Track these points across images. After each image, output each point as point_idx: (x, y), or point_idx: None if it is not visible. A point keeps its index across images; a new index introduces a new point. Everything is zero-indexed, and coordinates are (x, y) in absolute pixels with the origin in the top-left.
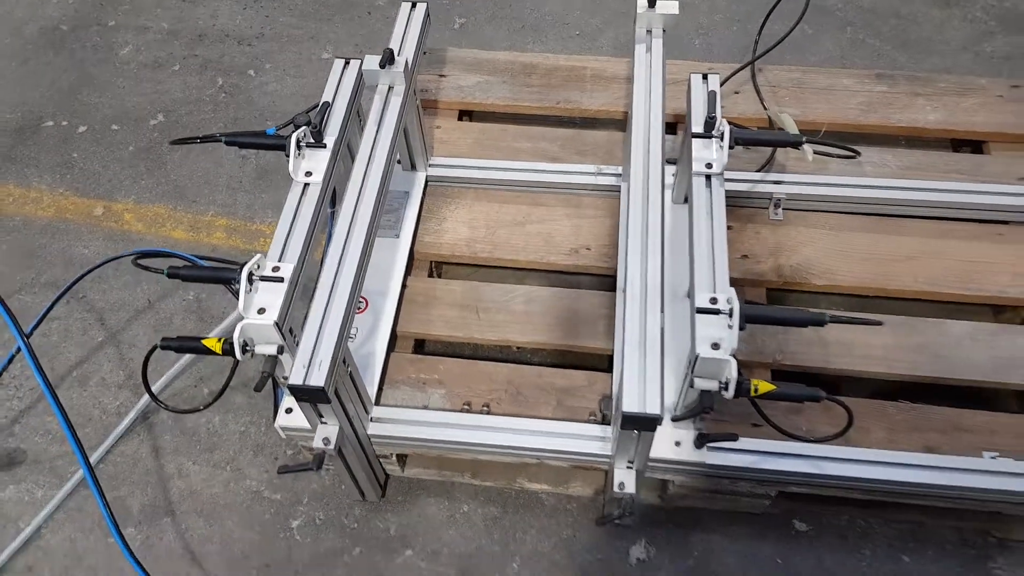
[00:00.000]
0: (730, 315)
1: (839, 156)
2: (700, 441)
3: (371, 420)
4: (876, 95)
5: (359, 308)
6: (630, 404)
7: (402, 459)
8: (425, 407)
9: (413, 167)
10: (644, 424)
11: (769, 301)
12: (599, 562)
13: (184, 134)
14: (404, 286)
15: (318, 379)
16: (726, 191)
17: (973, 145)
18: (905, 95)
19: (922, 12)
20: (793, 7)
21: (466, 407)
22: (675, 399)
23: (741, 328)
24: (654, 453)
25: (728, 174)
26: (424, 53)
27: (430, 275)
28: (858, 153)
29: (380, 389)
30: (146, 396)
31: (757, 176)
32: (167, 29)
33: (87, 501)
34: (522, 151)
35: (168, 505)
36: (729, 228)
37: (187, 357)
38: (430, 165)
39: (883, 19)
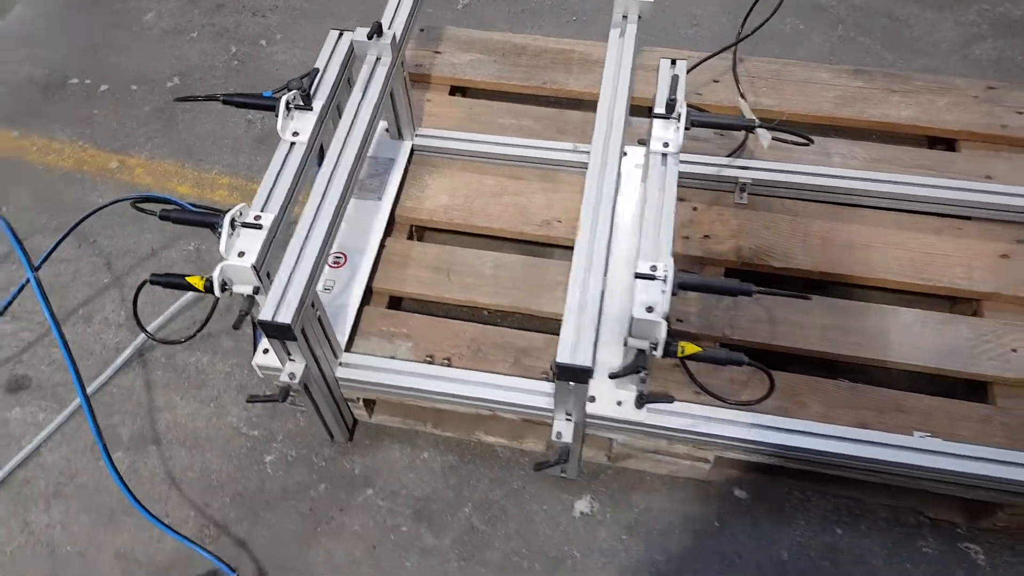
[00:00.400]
0: (665, 281)
1: (793, 143)
2: (640, 401)
3: (340, 364)
4: (852, 90)
5: (338, 263)
6: (563, 356)
7: (369, 406)
8: (392, 357)
9: (400, 136)
10: (577, 375)
11: None
12: (544, 512)
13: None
14: (383, 246)
15: (285, 316)
16: (694, 173)
17: (947, 143)
18: (880, 91)
19: (915, 14)
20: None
21: (429, 359)
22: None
23: (674, 294)
24: (599, 411)
25: (697, 158)
26: (421, 30)
27: (409, 238)
28: (811, 141)
29: (352, 338)
30: (143, 335)
31: (725, 161)
32: None
33: (83, 426)
34: (506, 127)
35: (155, 435)
36: (694, 209)
37: (182, 300)
38: (417, 135)
39: (875, 18)
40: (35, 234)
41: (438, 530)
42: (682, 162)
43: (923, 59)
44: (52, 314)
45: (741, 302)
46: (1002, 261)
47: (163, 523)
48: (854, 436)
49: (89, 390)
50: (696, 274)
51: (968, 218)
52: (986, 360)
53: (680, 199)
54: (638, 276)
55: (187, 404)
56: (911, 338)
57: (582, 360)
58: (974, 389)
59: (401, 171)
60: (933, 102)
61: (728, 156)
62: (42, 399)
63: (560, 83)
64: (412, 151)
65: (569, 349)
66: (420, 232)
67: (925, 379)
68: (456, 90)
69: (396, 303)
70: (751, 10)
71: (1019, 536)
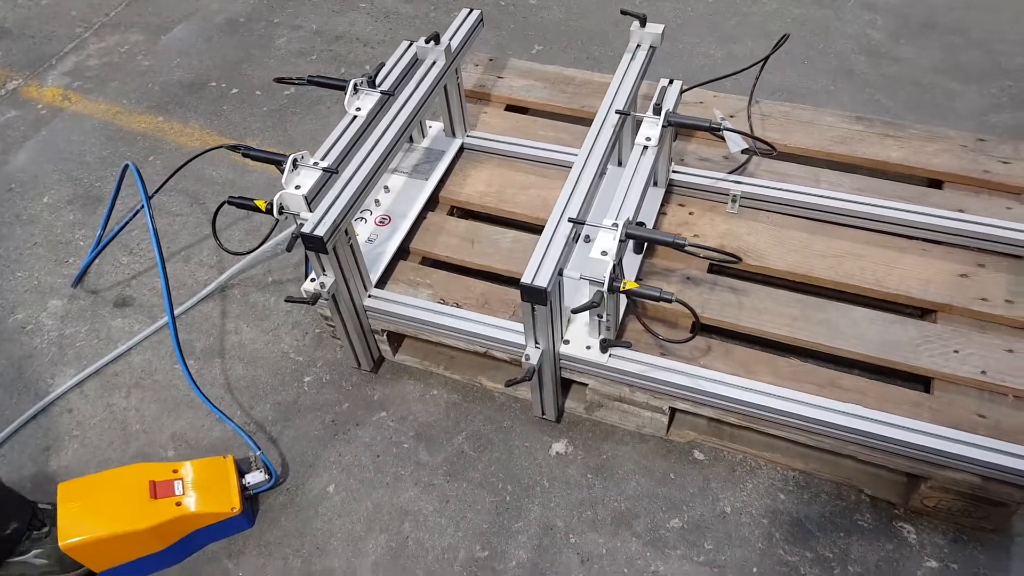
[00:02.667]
0: (617, 231)
1: (759, 151)
2: (604, 346)
3: (369, 296)
4: (852, 132)
5: (383, 223)
6: (527, 277)
7: (394, 344)
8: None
9: (453, 134)
10: (536, 295)
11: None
12: (526, 448)
13: (306, 106)
14: (422, 216)
15: (320, 231)
16: (695, 184)
17: (933, 184)
18: (877, 135)
19: (941, 84)
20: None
21: (442, 301)
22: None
23: (622, 240)
24: (570, 351)
25: (699, 171)
26: (491, 60)
27: (449, 215)
28: (774, 148)
29: (384, 281)
30: (226, 273)
31: (721, 175)
32: (314, 29)
33: (166, 339)
34: (543, 136)
35: (221, 350)
36: (690, 214)
37: (261, 253)
38: (468, 136)
39: (902, 85)
40: (159, 194)
41: (433, 450)
42: (685, 174)
43: (939, 122)
44: (158, 242)
45: (716, 289)
46: (960, 280)
47: (215, 406)
48: (787, 395)
49: (176, 311)
50: (643, 227)
51: (936, 242)
52: (927, 356)
53: (679, 205)
54: (602, 227)
55: (251, 331)
56: (859, 331)
57: (540, 282)
58: (919, 384)
59: (448, 161)
60: (923, 147)
61: (729, 173)
62: (140, 315)
63: (595, 107)
64: (462, 148)
65: (531, 272)
66: (458, 211)
67: (871, 369)
68: (511, 108)
69: (427, 263)
70: (766, 60)
71: (951, 522)
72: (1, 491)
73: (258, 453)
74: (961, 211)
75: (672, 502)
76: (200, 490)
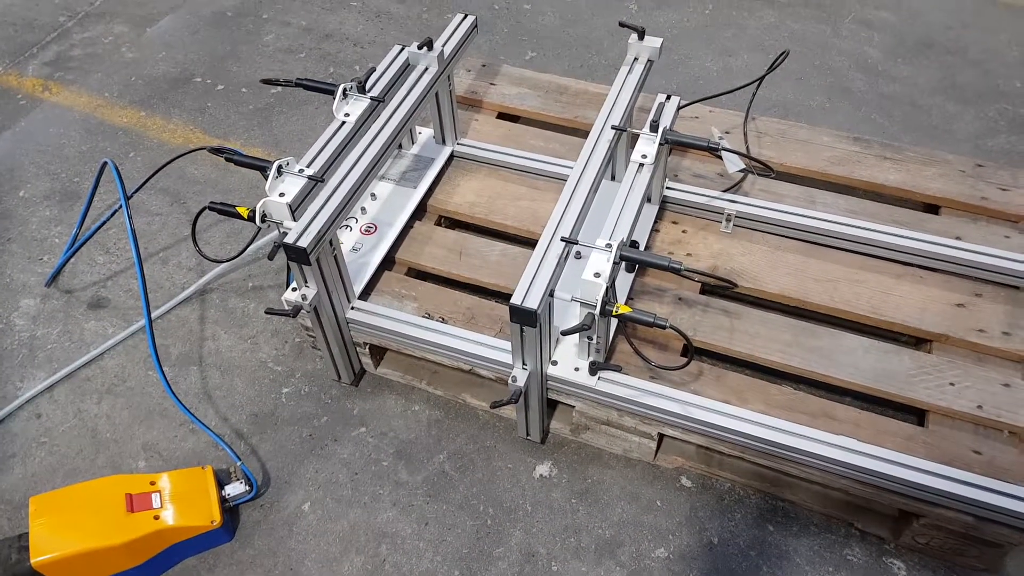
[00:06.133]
0: (611, 253)
1: (757, 172)
2: (593, 368)
3: (351, 308)
4: (848, 153)
5: (369, 231)
6: (516, 298)
7: (376, 357)
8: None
9: (443, 141)
10: (525, 317)
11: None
12: (508, 469)
13: (293, 105)
14: (409, 226)
15: (303, 242)
16: (689, 202)
17: (930, 209)
18: (874, 157)
19: (938, 105)
20: (822, 80)
21: (427, 315)
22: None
23: (616, 262)
24: (558, 373)
25: (694, 190)
26: (483, 66)
27: (436, 225)
28: (772, 170)
29: (368, 292)
30: (205, 277)
31: (716, 194)
32: (304, 26)
33: (141, 344)
34: (535, 147)
35: (198, 357)
36: (684, 232)
37: (243, 259)
38: (458, 143)
39: (899, 105)
40: (139, 192)
41: (414, 469)
42: (679, 191)
43: (936, 143)
44: (136, 245)
45: (708, 311)
46: (957, 309)
47: (193, 414)
48: (778, 425)
49: (153, 315)
50: (636, 249)
51: (934, 270)
52: (922, 388)
53: (672, 223)
54: (595, 248)
55: (229, 337)
56: (854, 359)
57: (530, 303)
58: (913, 415)
59: (438, 170)
60: (921, 171)
61: (723, 191)
62: (114, 317)
63: (590, 118)
64: (452, 156)
65: (521, 294)
66: (446, 221)
67: (864, 397)
68: (503, 116)
69: (412, 274)
70: (762, 79)
71: (943, 560)
72: None
73: (239, 463)
74: (959, 238)
75: (658, 531)
76: (179, 503)
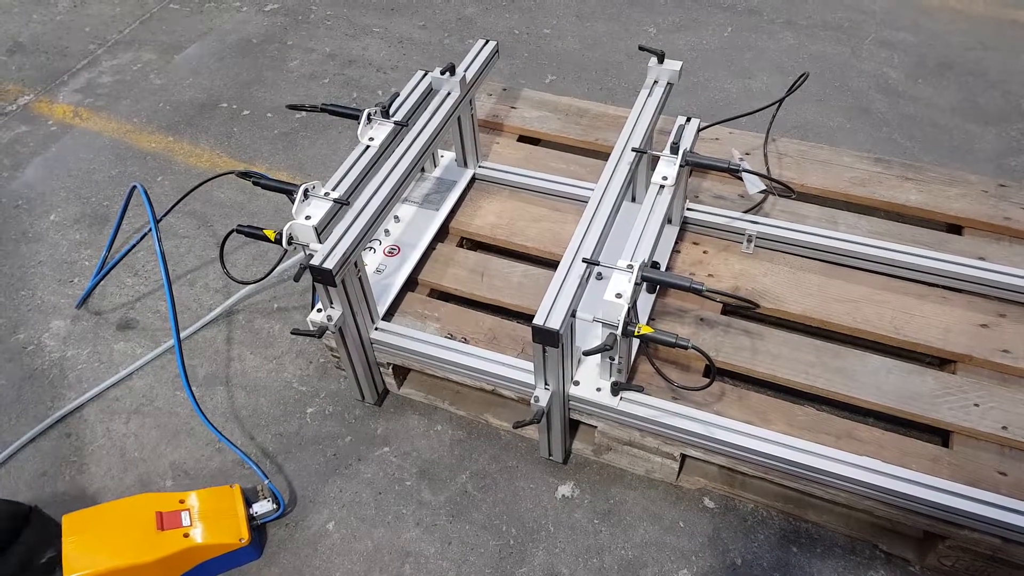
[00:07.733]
0: (632, 274)
1: (777, 192)
2: (615, 388)
3: (375, 328)
4: (870, 174)
5: (393, 253)
6: (539, 319)
7: (399, 378)
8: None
9: (465, 164)
10: (547, 337)
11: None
12: (531, 489)
13: (317, 130)
14: (432, 247)
15: (329, 263)
16: (710, 223)
17: (953, 229)
18: (896, 177)
19: (959, 125)
20: (842, 101)
21: (450, 336)
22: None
23: (638, 283)
24: (580, 393)
25: (715, 211)
26: (504, 90)
27: (459, 246)
28: (793, 191)
29: (392, 313)
30: (231, 299)
31: (736, 214)
32: (328, 52)
33: (169, 364)
34: (556, 169)
35: (225, 378)
36: (705, 252)
37: (269, 281)
38: (480, 166)
39: (919, 126)
40: (168, 216)
41: (437, 488)
42: (700, 212)
43: (957, 163)
44: (165, 267)
45: (730, 332)
46: (981, 330)
47: (222, 434)
48: (802, 446)
49: (181, 336)
50: (658, 271)
51: (958, 290)
52: (947, 409)
53: (693, 243)
54: (616, 269)
55: (255, 358)
56: (877, 380)
57: (552, 324)
58: (937, 436)
59: (460, 192)
60: (943, 191)
61: (745, 212)
62: (143, 338)
63: (610, 141)
64: (473, 178)
65: (544, 314)
66: (468, 243)
67: (887, 419)
68: (523, 139)
69: (435, 295)
70: (782, 100)
71: None
72: (41, 518)
73: (266, 482)
74: (982, 258)
75: (681, 552)
76: (207, 521)
